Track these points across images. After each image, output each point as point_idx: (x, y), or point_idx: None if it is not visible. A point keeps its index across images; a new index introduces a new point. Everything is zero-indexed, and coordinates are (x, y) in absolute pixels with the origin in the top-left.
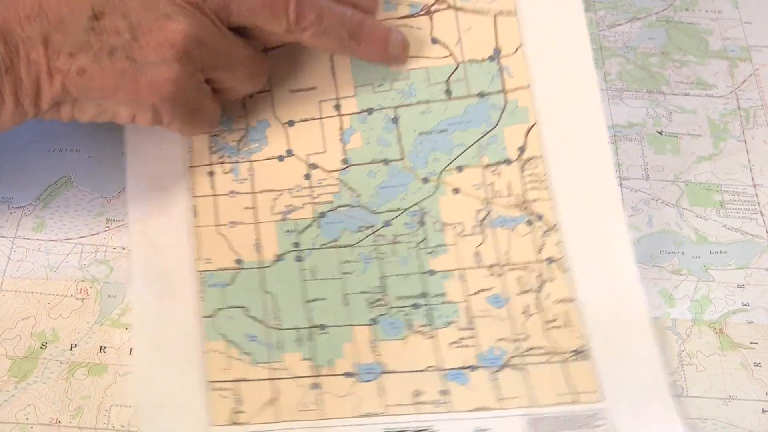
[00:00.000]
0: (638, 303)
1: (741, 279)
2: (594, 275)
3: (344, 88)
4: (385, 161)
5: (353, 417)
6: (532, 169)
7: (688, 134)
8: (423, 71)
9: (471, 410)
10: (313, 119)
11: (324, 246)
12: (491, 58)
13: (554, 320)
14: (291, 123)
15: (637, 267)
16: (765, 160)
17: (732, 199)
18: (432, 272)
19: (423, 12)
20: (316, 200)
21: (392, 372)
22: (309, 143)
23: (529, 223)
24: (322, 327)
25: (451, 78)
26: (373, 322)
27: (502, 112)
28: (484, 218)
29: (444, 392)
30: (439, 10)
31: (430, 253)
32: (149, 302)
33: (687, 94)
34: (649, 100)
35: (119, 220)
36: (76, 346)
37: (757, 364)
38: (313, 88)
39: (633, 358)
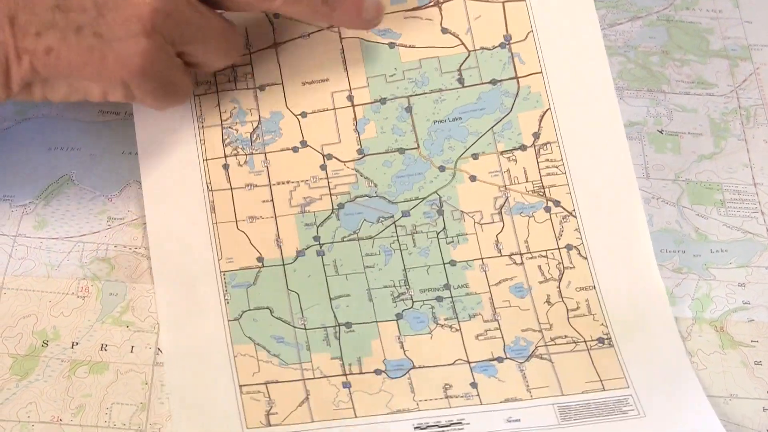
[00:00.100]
0: (658, 288)
1: (742, 277)
2: (613, 261)
3: (356, 79)
4: (401, 150)
5: (386, 414)
6: (547, 154)
7: (689, 133)
8: (434, 60)
9: (501, 402)
10: (327, 110)
11: (345, 239)
12: (502, 45)
13: (577, 308)
14: (304, 114)
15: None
16: (765, 159)
17: (733, 198)
18: (453, 263)
19: (432, 3)
20: (334, 191)
21: (421, 367)
22: (323, 134)
23: (547, 209)
24: (348, 325)
25: (462, 66)
26: (399, 317)
27: (516, 98)
28: (502, 205)
29: (473, 385)
30: (448, 0)
31: (451, 242)
32: (175, 305)
33: (687, 93)
34: (650, 99)
35: (120, 219)
36: (77, 344)
37: (757, 363)
38: (325, 80)
39: (656, 343)
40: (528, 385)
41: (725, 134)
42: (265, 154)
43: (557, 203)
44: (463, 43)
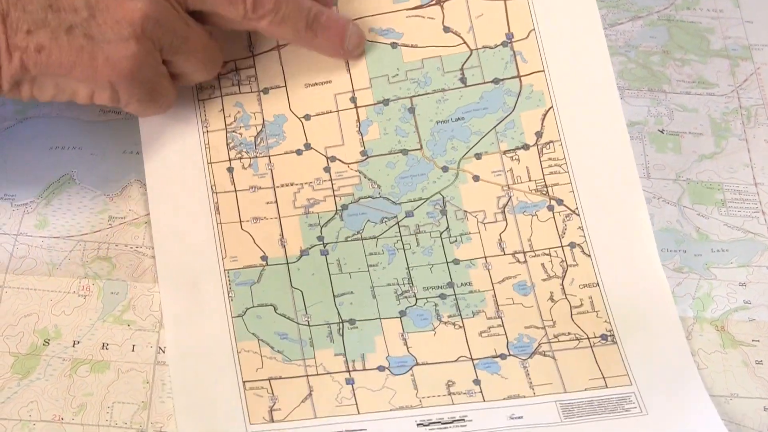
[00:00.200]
0: (662, 285)
1: (743, 277)
2: (616, 259)
3: (359, 81)
4: (404, 151)
5: (389, 410)
6: (550, 153)
7: (690, 133)
8: (437, 60)
9: (504, 398)
10: (330, 112)
11: (348, 239)
12: (504, 44)
13: (580, 305)
14: (307, 117)
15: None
16: (766, 158)
17: (733, 198)
18: (457, 261)
19: (434, 2)
20: (338, 192)
21: (424, 364)
22: (327, 136)
23: (550, 208)
24: (352, 321)
25: (465, 65)
26: (402, 314)
27: (518, 97)
28: (505, 204)
29: (476, 382)
30: None
31: (454, 242)
32: (179, 303)
33: (688, 93)
34: (651, 98)
35: (121, 218)
36: (78, 343)
37: (758, 362)
38: (328, 82)
39: (659, 341)
40: (531, 382)
41: (726, 134)
42: (269, 157)
43: (560, 202)
44: (465, 42)
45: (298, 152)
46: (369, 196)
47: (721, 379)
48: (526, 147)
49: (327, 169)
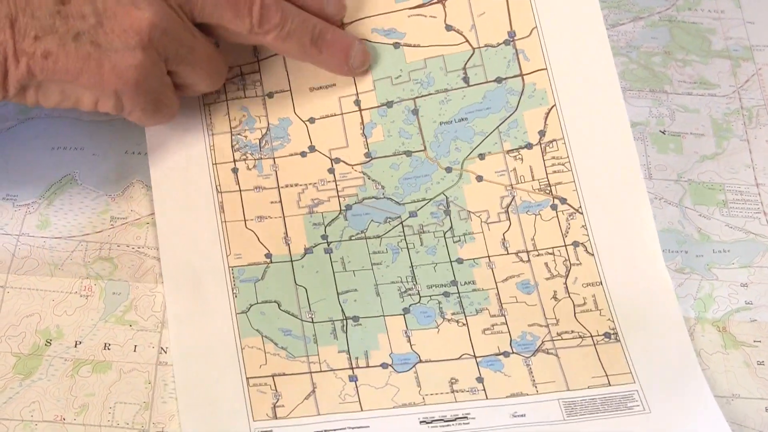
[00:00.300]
0: (665, 283)
1: (744, 277)
2: (619, 257)
3: (363, 83)
4: (408, 153)
5: (392, 408)
6: (553, 151)
7: (691, 133)
8: (439, 59)
9: (507, 396)
10: (334, 115)
11: (352, 238)
12: (506, 42)
13: (583, 304)
14: (312, 120)
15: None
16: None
17: (735, 199)
18: (460, 260)
19: (436, 0)
20: (342, 193)
21: (427, 361)
22: (331, 139)
23: (554, 207)
24: (356, 318)
25: (467, 64)
26: (406, 311)
27: (521, 96)
28: (509, 204)
29: (479, 379)
30: None
31: (458, 241)
32: (183, 301)
33: (690, 94)
34: (652, 99)
35: (123, 218)
36: (80, 343)
37: (760, 363)
38: (332, 85)
39: (663, 339)
40: (534, 380)
41: (727, 135)
42: (274, 159)
43: (563, 201)
44: (467, 41)
45: (303, 154)
46: (373, 197)
47: (723, 380)
48: (529, 146)
49: (331, 171)
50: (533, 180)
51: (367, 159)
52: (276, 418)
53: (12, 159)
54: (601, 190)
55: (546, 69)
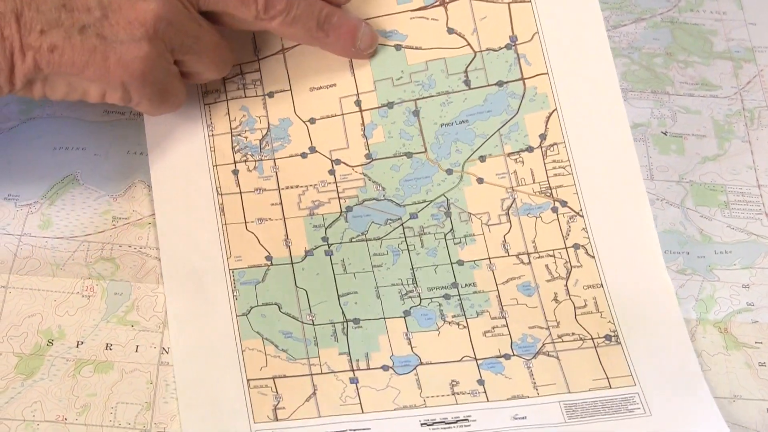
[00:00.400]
0: (666, 286)
1: (746, 279)
2: (620, 260)
3: (363, 84)
4: (408, 154)
5: (393, 410)
6: (554, 155)
7: (693, 135)
8: (441, 62)
9: (507, 399)
10: (335, 116)
11: (353, 240)
12: (508, 46)
13: (584, 306)
14: (312, 120)
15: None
16: None
17: (736, 200)
18: (461, 262)
19: (438, 3)
20: (342, 195)
21: (428, 363)
22: (331, 139)
23: (554, 209)
24: (356, 321)
25: (469, 68)
26: (406, 314)
27: (522, 100)
28: (509, 207)
29: (480, 382)
30: (454, 0)
31: (458, 243)
32: (184, 303)
33: (691, 95)
34: (654, 100)
35: (125, 218)
36: (82, 343)
37: (761, 364)
38: (332, 85)
39: (664, 342)
40: (535, 383)
41: (729, 136)
42: (275, 160)
43: (564, 203)
44: (469, 44)
45: (303, 155)
46: (373, 198)
47: (724, 381)
48: (530, 149)
49: (332, 172)
50: (534, 183)
51: (368, 160)
52: (277, 420)
53: (14, 159)
54: (602, 193)
55: (547, 73)
